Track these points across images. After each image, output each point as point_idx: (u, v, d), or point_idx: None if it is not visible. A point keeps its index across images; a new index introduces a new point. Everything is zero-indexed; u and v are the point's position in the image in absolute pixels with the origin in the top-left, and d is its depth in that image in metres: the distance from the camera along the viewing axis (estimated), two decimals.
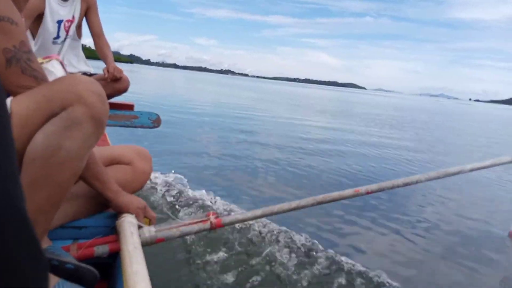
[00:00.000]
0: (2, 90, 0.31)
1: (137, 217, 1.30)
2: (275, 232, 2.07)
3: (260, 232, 2.04)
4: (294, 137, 6.82)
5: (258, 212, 1.39)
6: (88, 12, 2.57)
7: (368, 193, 1.55)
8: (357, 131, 8.67)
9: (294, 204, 1.42)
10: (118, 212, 1.32)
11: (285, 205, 1.42)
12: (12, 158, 0.32)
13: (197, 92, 17.29)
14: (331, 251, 2.08)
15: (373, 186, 1.57)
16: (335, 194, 1.50)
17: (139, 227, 1.28)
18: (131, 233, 1.16)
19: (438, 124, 14.65)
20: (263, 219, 2.12)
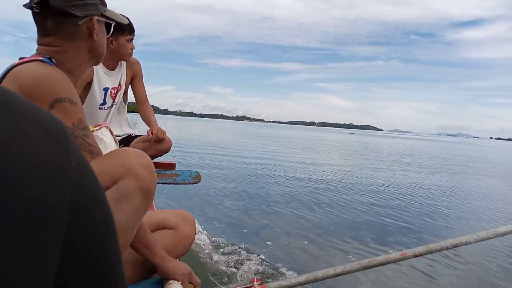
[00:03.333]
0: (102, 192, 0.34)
1: (182, 283, 1.32)
2: None
3: None
4: (334, 190, 6.72)
5: (303, 278, 1.37)
6: (134, 80, 2.75)
7: (415, 256, 1.50)
8: (398, 183, 8.42)
9: (339, 269, 1.39)
10: (164, 278, 1.35)
11: (329, 271, 1.39)
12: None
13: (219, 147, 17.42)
14: None
15: (421, 249, 1.52)
16: (381, 258, 1.46)
17: None
18: None
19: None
20: (308, 285, 2.07)
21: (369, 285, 2.58)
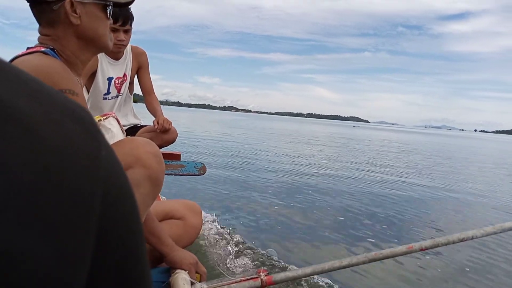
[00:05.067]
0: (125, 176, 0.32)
1: (189, 273, 1.33)
2: None
3: None
4: (345, 186, 6.71)
5: (309, 269, 1.37)
6: (140, 71, 2.73)
7: (422, 250, 1.50)
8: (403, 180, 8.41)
9: (345, 261, 1.40)
10: (171, 267, 1.36)
11: (336, 263, 1.39)
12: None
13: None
14: None
15: (427, 243, 1.52)
16: (387, 251, 1.46)
17: (192, 283, 1.30)
18: None
19: None
20: (314, 276, 2.08)
21: (375, 277, 2.60)
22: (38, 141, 0.23)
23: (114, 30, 2.33)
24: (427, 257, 3.07)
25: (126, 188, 0.32)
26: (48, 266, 0.22)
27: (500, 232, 1.69)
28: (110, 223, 0.29)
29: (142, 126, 2.83)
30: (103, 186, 0.28)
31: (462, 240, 1.60)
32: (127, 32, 2.42)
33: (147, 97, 2.82)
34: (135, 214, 0.33)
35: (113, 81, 2.58)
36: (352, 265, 1.41)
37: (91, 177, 0.26)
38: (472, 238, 1.63)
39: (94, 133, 0.28)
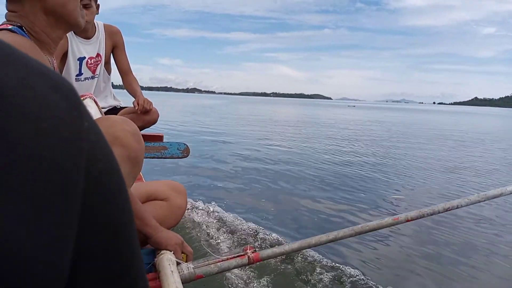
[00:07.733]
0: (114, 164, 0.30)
1: (175, 253, 1.30)
2: (316, 264, 2.04)
3: (300, 263, 2.02)
4: (328, 162, 6.76)
5: (296, 245, 1.37)
6: (115, 50, 2.65)
7: (408, 221, 1.51)
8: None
9: (332, 235, 1.39)
10: (156, 248, 1.33)
11: (323, 237, 1.39)
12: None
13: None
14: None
15: (413, 213, 1.52)
16: (373, 223, 1.46)
17: (178, 263, 1.27)
18: (171, 272, 1.16)
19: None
20: (301, 251, 2.09)
21: (363, 250, 2.63)
22: (10, 107, 0.21)
23: (87, 7, 2.25)
24: (414, 228, 3.13)
25: (112, 163, 0.29)
26: (28, 248, 0.20)
27: (484, 201, 1.71)
28: (96, 200, 0.27)
29: (122, 108, 2.77)
30: (87, 159, 0.25)
31: (447, 210, 1.61)
32: (98, 8, 2.37)
33: (125, 78, 2.74)
34: (123, 191, 0.30)
35: (84, 61, 2.49)
36: (339, 239, 1.40)
37: (73, 150, 0.24)
38: (457, 207, 1.64)
39: (76, 103, 0.26)
